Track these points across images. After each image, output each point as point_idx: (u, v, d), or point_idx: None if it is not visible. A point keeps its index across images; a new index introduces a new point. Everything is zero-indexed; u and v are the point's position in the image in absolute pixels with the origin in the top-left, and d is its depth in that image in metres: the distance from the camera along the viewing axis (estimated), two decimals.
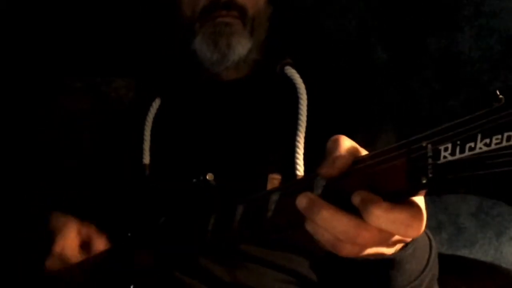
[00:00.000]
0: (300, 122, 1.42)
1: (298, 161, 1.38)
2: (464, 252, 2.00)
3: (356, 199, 0.74)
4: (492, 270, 1.66)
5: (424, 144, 0.67)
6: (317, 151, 1.39)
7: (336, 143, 0.80)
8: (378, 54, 2.10)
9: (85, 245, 1.32)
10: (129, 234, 1.31)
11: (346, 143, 0.80)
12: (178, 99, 1.56)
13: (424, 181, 0.66)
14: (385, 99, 1.62)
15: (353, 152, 0.79)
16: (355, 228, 0.75)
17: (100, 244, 1.31)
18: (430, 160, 0.65)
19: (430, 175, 0.65)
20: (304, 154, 1.39)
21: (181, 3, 1.55)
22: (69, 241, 1.31)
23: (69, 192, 1.53)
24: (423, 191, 0.69)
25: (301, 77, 1.48)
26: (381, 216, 0.71)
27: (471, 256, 1.97)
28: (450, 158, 0.63)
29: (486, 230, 2.03)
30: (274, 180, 1.38)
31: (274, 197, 0.93)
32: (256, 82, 1.55)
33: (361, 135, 1.41)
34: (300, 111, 1.43)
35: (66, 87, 1.68)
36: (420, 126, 1.99)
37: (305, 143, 1.40)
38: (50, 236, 1.32)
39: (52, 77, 1.80)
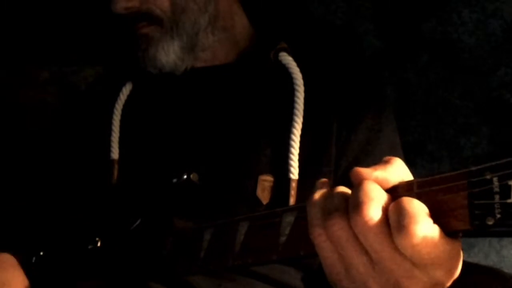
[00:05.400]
0: (295, 117, 1.36)
1: (292, 162, 1.33)
2: (463, 256, 1.96)
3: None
4: (493, 274, 1.64)
5: (488, 177, 0.61)
6: (315, 150, 1.37)
7: (389, 162, 0.76)
8: (370, 40, 2.06)
9: None
10: (96, 244, 1.23)
11: (400, 165, 0.76)
12: (152, 84, 1.49)
13: (490, 223, 0.60)
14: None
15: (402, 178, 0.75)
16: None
17: None
18: (497, 198, 0.60)
19: (498, 216, 0.60)
20: (300, 153, 1.34)
21: None
22: None
23: (29, 192, 1.47)
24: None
25: (298, 65, 1.42)
26: (422, 238, 0.66)
27: (470, 259, 1.94)
28: None
29: None
30: (265, 182, 1.33)
31: (289, 219, 0.86)
32: (246, 70, 1.49)
33: (362, 130, 1.39)
34: (296, 105, 1.37)
35: (30, 78, 1.61)
36: (416, 121, 1.96)
37: (301, 141, 1.35)
38: None
39: (14, 67, 1.73)
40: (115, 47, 1.63)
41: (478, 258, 2.00)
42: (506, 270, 1.77)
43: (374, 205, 0.69)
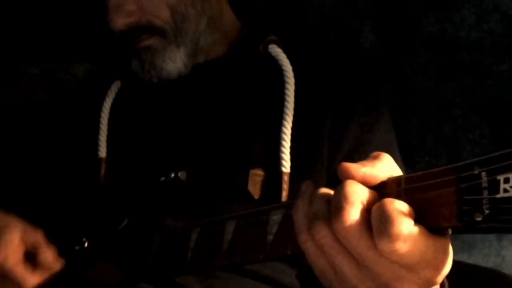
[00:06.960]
0: (286, 109, 1.36)
1: (283, 155, 1.33)
2: (463, 257, 1.96)
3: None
4: (493, 276, 1.63)
5: (476, 172, 0.60)
6: (307, 144, 1.36)
7: (378, 158, 0.76)
8: (366, 36, 2.05)
9: (30, 255, 1.21)
10: (83, 244, 1.23)
11: (389, 161, 0.76)
12: (141, 82, 1.49)
13: (478, 219, 0.60)
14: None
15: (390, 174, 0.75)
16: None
17: (48, 255, 1.21)
18: (485, 193, 0.59)
19: (487, 212, 0.59)
20: (291, 146, 1.34)
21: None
22: (12, 249, 1.20)
23: (15, 190, 1.46)
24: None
25: (288, 57, 1.42)
26: (404, 241, 0.66)
27: (470, 261, 1.93)
28: None
29: None
30: (256, 176, 1.33)
31: (276, 217, 0.87)
32: (234, 63, 1.50)
33: (355, 125, 1.38)
34: (287, 97, 1.37)
35: (20, 74, 1.60)
36: (414, 119, 1.95)
37: (292, 133, 1.34)
38: None
39: (4, 62, 1.72)
40: (114, 57, 1.62)
41: (478, 259, 1.99)
42: (506, 271, 1.77)
43: (354, 210, 0.69)
